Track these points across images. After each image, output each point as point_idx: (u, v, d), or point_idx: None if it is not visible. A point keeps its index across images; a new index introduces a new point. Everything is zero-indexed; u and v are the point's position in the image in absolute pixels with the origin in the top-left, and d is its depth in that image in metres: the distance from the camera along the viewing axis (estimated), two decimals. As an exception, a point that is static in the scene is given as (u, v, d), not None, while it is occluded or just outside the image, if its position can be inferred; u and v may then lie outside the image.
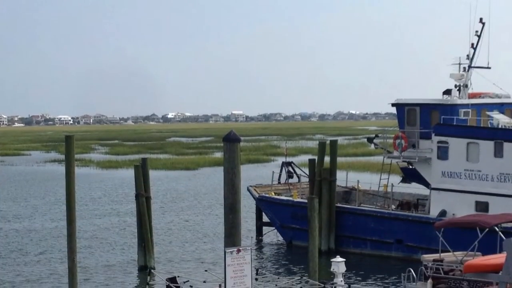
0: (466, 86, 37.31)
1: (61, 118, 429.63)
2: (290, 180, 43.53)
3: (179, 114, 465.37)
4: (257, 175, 71.08)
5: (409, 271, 22.82)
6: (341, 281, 22.77)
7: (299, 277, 24.94)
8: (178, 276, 21.84)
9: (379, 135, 41.27)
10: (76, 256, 26.50)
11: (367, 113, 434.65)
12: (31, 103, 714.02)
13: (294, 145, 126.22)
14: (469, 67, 37.20)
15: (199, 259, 36.16)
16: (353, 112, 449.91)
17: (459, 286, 21.48)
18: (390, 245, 36.14)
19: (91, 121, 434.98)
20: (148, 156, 62.95)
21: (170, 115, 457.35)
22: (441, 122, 35.28)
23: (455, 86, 37.18)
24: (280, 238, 41.47)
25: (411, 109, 36.74)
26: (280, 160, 59.61)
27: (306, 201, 31.25)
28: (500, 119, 35.16)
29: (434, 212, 34.69)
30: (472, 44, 37.09)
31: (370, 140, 40.78)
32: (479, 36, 36.93)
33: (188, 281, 21.54)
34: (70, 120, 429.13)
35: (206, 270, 22.83)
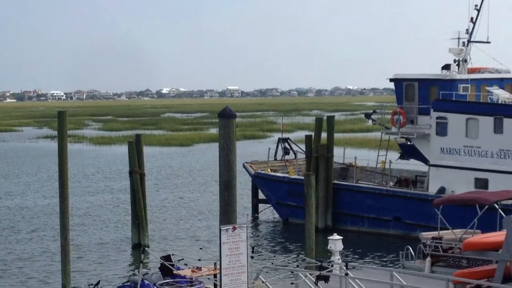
0: (466, 61, 36.74)
1: (53, 93, 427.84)
2: (287, 157, 43.05)
3: (173, 90, 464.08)
4: (253, 152, 70.66)
5: (408, 249, 22.46)
6: (338, 259, 22.41)
7: (295, 255, 24.54)
8: (173, 254, 21.37)
9: (377, 110, 40.76)
10: (69, 233, 26.09)
11: (365, 89, 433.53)
12: (23, 78, 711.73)
13: (290, 121, 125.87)
14: (469, 41, 36.60)
15: (194, 236, 35.76)
16: (351, 87, 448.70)
17: (458, 264, 21.14)
18: (388, 222, 35.76)
19: (84, 96, 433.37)
20: (142, 132, 62.39)
21: (164, 91, 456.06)
22: (440, 98, 34.74)
23: (454, 61, 36.61)
24: (276, 215, 41.08)
25: (409, 84, 36.18)
26: (276, 136, 59.17)
27: (302, 178, 30.81)
28: (500, 95, 34.65)
29: (432, 189, 34.28)
30: (472, 18, 36.47)
31: (368, 116, 40.26)
32: (478, 10, 36.30)
33: (183, 259, 21.12)
34: (62, 96, 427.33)
35: (201, 248, 22.42)
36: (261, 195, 42.24)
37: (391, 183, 37.29)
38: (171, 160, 72.46)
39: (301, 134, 67.24)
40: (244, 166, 42.41)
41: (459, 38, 36.51)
